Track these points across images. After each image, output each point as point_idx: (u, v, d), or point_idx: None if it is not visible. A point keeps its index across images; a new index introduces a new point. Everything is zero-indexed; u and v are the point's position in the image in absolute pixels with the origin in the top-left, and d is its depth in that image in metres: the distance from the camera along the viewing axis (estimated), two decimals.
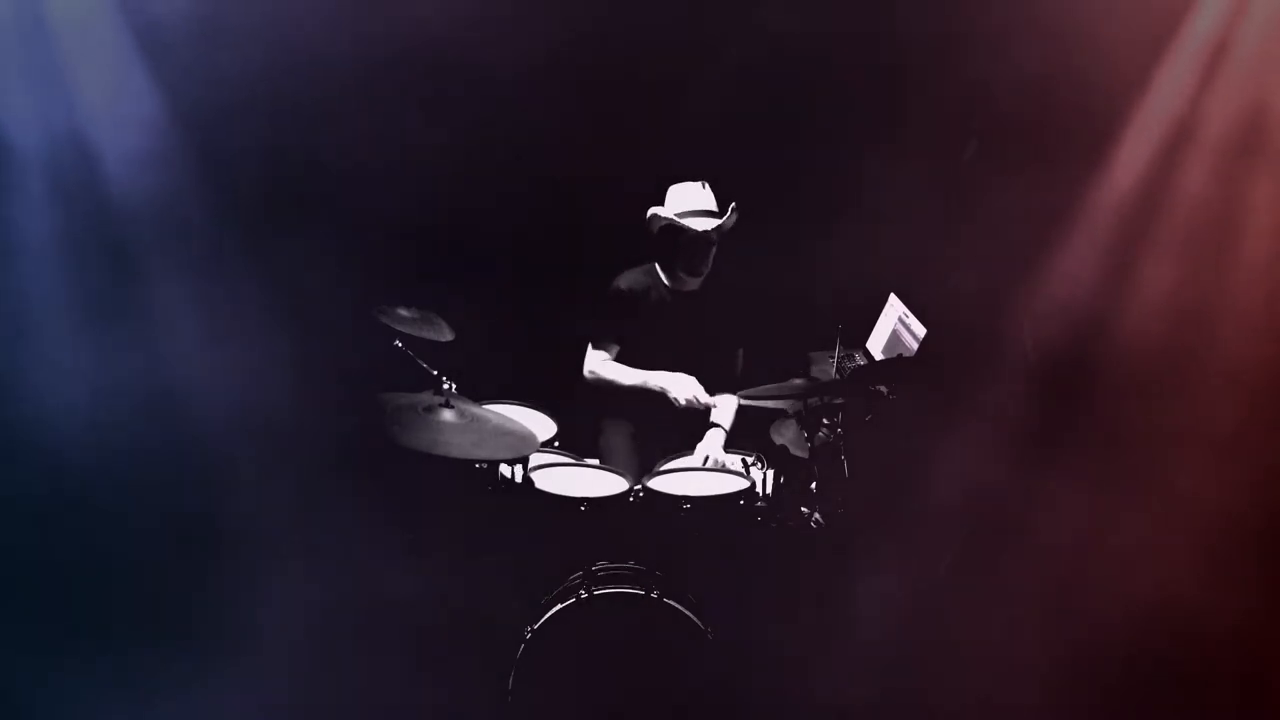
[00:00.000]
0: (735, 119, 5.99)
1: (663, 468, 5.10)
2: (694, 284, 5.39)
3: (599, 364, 5.41)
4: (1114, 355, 5.32)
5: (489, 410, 4.63)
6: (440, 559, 4.62)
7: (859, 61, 5.90)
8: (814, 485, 4.90)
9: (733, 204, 5.28)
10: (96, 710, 4.48)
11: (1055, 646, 4.82)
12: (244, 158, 5.53)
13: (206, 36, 5.35)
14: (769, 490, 4.89)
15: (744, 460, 5.09)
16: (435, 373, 4.56)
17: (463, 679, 4.51)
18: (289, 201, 5.64)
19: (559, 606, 4.38)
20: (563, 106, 5.89)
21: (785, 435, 5.36)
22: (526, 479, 4.79)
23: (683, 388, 5.27)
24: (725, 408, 5.34)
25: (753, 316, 5.48)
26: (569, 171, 5.99)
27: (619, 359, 5.42)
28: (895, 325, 5.68)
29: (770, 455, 5.22)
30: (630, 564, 4.58)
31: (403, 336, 4.93)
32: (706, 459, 5.14)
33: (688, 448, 5.23)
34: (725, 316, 5.42)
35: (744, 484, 4.84)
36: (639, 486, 4.78)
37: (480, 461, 4.71)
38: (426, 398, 4.48)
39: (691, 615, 4.40)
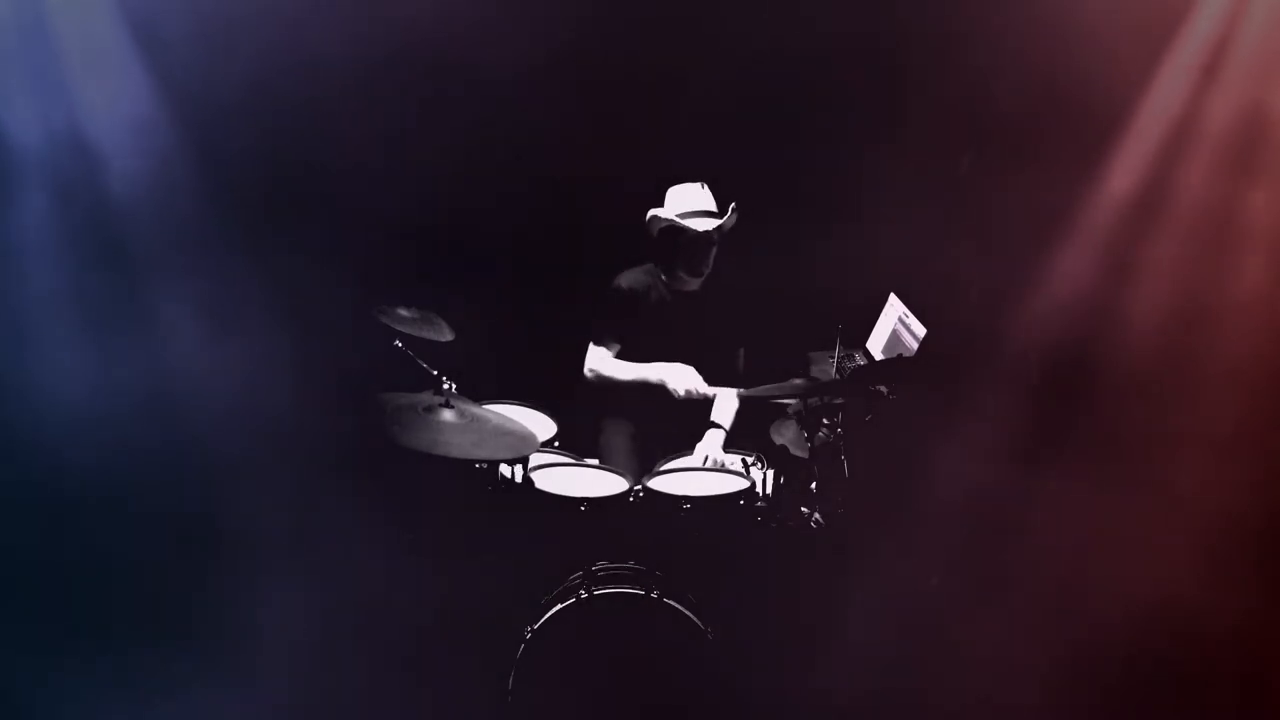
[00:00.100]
0: (735, 119, 5.99)
1: (663, 468, 5.10)
2: (694, 284, 5.39)
3: (599, 362, 5.41)
4: (1114, 355, 5.32)
5: (489, 410, 4.63)
6: (440, 559, 4.62)
7: (859, 61, 5.89)
8: (814, 485, 4.90)
9: (733, 204, 5.28)
10: (96, 710, 4.48)
11: (1055, 646, 4.81)
12: (244, 157, 5.53)
13: (206, 36, 5.35)
14: (769, 490, 4.88)
15: (744, 460, 5.09)
16: (435, 373, 4.56)
17: (463, 679, 4.51)
18: (289, 201, 5.64)
19: (559, 606, 4.38)
20: (563, 106, 5.89)
21: (785, 435, 5.36)
22: (526, 479, 4.79)
23: (682, 379, 5.26)
24: (725, 407, 5.34)
25: (753, 316, 5.48)
26: (569, 171, 5.98)
27: (619, 358, 5.42)
28: (895, 325, 5.68)
29: (770, 455, 5.22)
30: (630, 564, 4.58)
31: (403, 336, 4.93)
32: (706, 459, 5.14)
33: (688, 447, 5.23)
34: (725, 316, 5.42)
35: (744, 484, 4.84)
36: (639, 486, 4.78)
37: (480, 461, 4.71)
38: (426, 398, 4.48)
39: (691, 615, 4.40)
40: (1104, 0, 5.32)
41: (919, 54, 5.80)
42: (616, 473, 4.92)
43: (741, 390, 5.17)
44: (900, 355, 5.52)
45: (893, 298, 5.77)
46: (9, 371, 5.07)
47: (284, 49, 5.38)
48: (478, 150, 5.84)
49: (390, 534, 4.82)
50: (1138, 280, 5.33)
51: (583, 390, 5.45)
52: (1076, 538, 5.11)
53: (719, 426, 5.29)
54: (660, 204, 5.35)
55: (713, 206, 5.31)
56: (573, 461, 5.04)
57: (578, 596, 4.38)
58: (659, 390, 5.30)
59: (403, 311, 5.12)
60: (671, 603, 4.39)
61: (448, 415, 4.43)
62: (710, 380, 5.31)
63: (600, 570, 4.54)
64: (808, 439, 4.96)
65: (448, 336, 5.21)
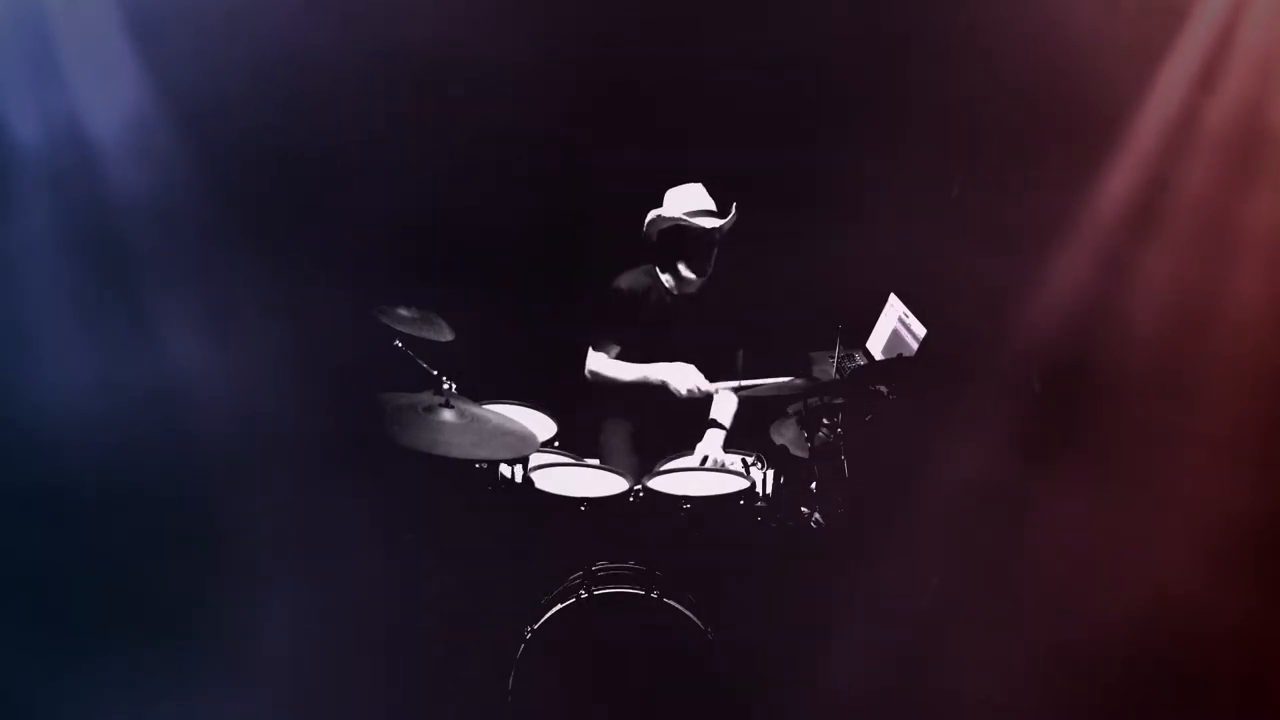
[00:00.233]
0: (735, 119, 5.99)
1: (663, 468, 5.10)
2: (694, 285, 5.38)
3: (599, 363, 5.41)
4: (1114, 356, 5.32)
5: (489, 410, 4.63)
6: (440, 559, 4.62)
7: (860, 62, 5.89)
8: (814, 485, 4.90)
9: (734, 204, 5.28)
10: (96, 710, 4.48)
11: (1055, 646, 4.82)
12: (244, 156, 5.53)
13: (205, 35, 5.35)
14: (769, 490, 4.89)
15: (744, 460, 5.09)
16: (435, 373, 4.56)
17: (463, 679, 4.51)
18: (289, 201, 5.65)
19: (559, 606, 4.39)
20: (563, 106, 5.89)
21: (785, 435, 5.36)
22: (526, 479, 4.79)
23: (683, 378, 5.26)
24: (725, 405, 5.34)
25: (753, 317, 5.48)
26: (569, 171, 5.99)
27: (619, 359, 5.42)
28: (895, 325, 5.68)
29: (770, 455, 5.22)
30: (630, 564, 4.58)
31: (403, 336, 4.93)
32: (706, 459, 5.14)
33: (688, 447, 5.22)
34: (725, 317, 5.41)
35: (744, 484, 4.84)
36: (639, 486, 4.78)
37: (480, 461, 4.71)
38: (426, 398, 4.48)
39: (691, 615, 4.40)
40: (1104, 1, 5.32)
41: (920, 54, 5.81)
42: (617, 473, 4.92)
43: (740, 385, 5.16)
44: (900, 355, 5.52)
45: (893, 298, 5.77)
46: (8, 371, 5.06)
47: (284, 48, 5.38)
48: (478, 150, 5.84)
49: (390, 534, 4.82)
50: (1138, 281, 5.33)
51: (583, 390, 5.45)
52: (1076, 537, 5.11)
53: (719, 425, 5.29)
54: (659, 206, 5.35)
55: (713, 206, 5.31)
56: (573, 461, 5.04)
57: (578, 596, 4.38)
58: (659, 390, 5.30)
59: (403, 311, 5.12)
60: (671, 603, 4.39)
61: (448, 415, 4.43)
62: (711, 380, 5.31)
63: (600, 570, 4.54)
64: (808, 439, 4.97)
65: (448, 336, 5.21)
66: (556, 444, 5.20)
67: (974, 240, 5.68)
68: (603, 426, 5.44)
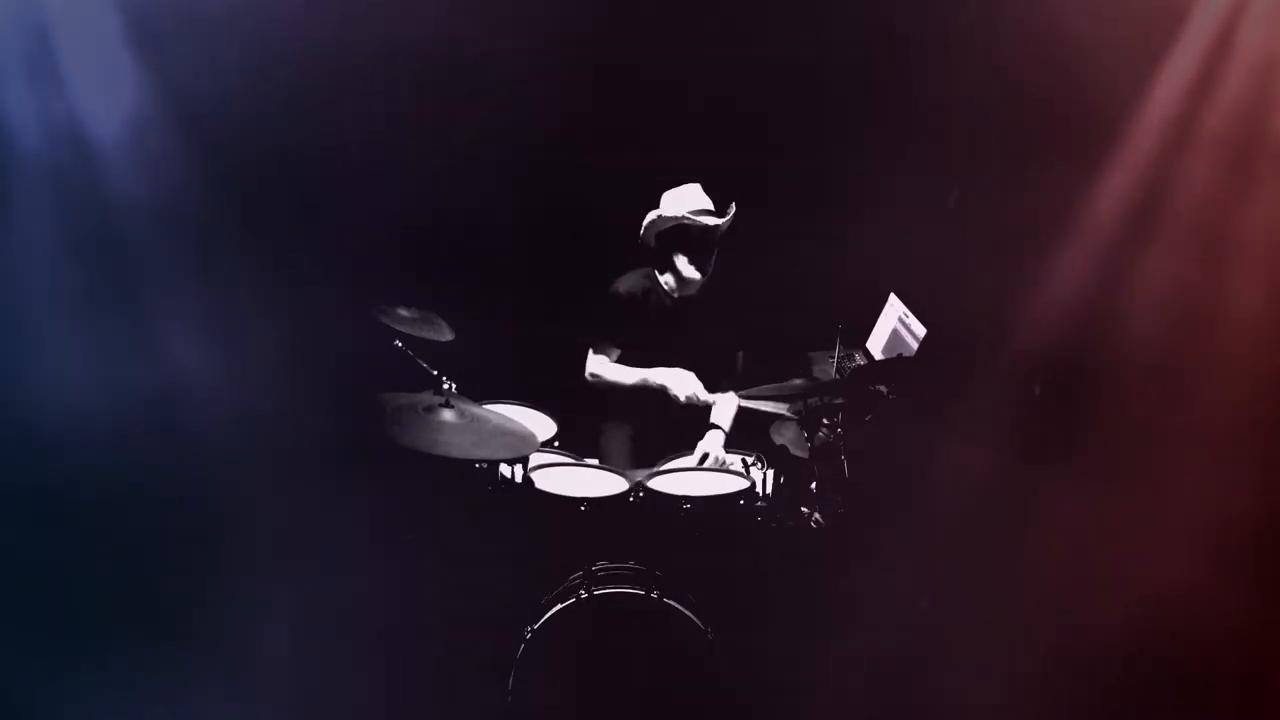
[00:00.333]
0: (735, 119, 5.99)
1: (663, 468, 5.10)
2: (694, 287, 5.37)
3: (599, 367, 5.40)
4: (1114, 356, 5.32)
5: (489, 410, 4.63)
6: (440, 559, 4.62)
7: (859, 61, 5.89)
8: (814, 485, 4.90)
9: (733, 203, 5.28)
10: (97, 710, 4.48)
11: (1055, 646, 4.81)
12: (244, 157, 5.53)
13: (205, 35, 5.35)
14: (769, 490, 4.89)
15: (744, 460, 5.09)
16: (435, 373, 4.56)
17: (463, 679, 4.51)
18: (289, 201, 5.65)
19: (559, 606, 4.39)
20: (563, 106, 5.89)
21: (785, 435, 5.36)
22: (526, 479, 4.79)
23: (682, 384, 5.26)
24: (725, 408, 5.34)
25: (753, 317, 5.48)
26: (570, 171, 5.99)
27: (620, 362, 5.42)
28: (895, 325, 5.68)
29: (770, 455, 5.22)
30: (630, 564, 4.58)
31: (403, 336, 4.93)
32: (705, 457, 5.14)
33: (688, 448, 5.22)
34: (724, 319, 5.41)
35: (744, 484, 4.84)
36: (639, 486, 4.78)
37: (480, 461, 4.71)
38: (426, 398, 4.48)
39: (691, 615, 4.40)
40: (1104, 1, 5.32)
41: (919, 54, 5.80)
42: (617, 473, 4.91)
43: (741, 394, 5.16)
44: (900, 355, 5.52)
45: (893, 298, 5.77)
46: (8, 371, 5.06)
47: (284, 48, 5.38)
48: (478, 150, 5.84)
49: (390, 534, 4.81)
50: (1137, 281, 5.33)
51: (583, 391, 5.45)
52: (1076, 538, 5.11)
53: (718, 428, 5.29)
54: (658, 206, 5.34)
55: (711, 205, 5.31)
56: (573, 461, 5.04)
57: (578, 596, 4.38)
58: (660, 393, 5.30)
59: (403, 311, 5.13)
60: (671, 603, 4.39)
61: (448, 415, 4.43)
62: (709, 382, 5.31)
63: (600, 570, 4.54)
64: (808, 439, 4.96)
65: (448, 336, 5.21)
66: (556, 444, 5.20)
67: (974, 240, 5.68)
68: (603, 427, 5.44)
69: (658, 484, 4.82)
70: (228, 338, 5.45)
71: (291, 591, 4.84)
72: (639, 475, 4.92)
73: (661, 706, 4.39)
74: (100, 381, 5.16)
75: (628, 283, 5.41)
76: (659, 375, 5.31)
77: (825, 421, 4.93)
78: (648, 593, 4.39)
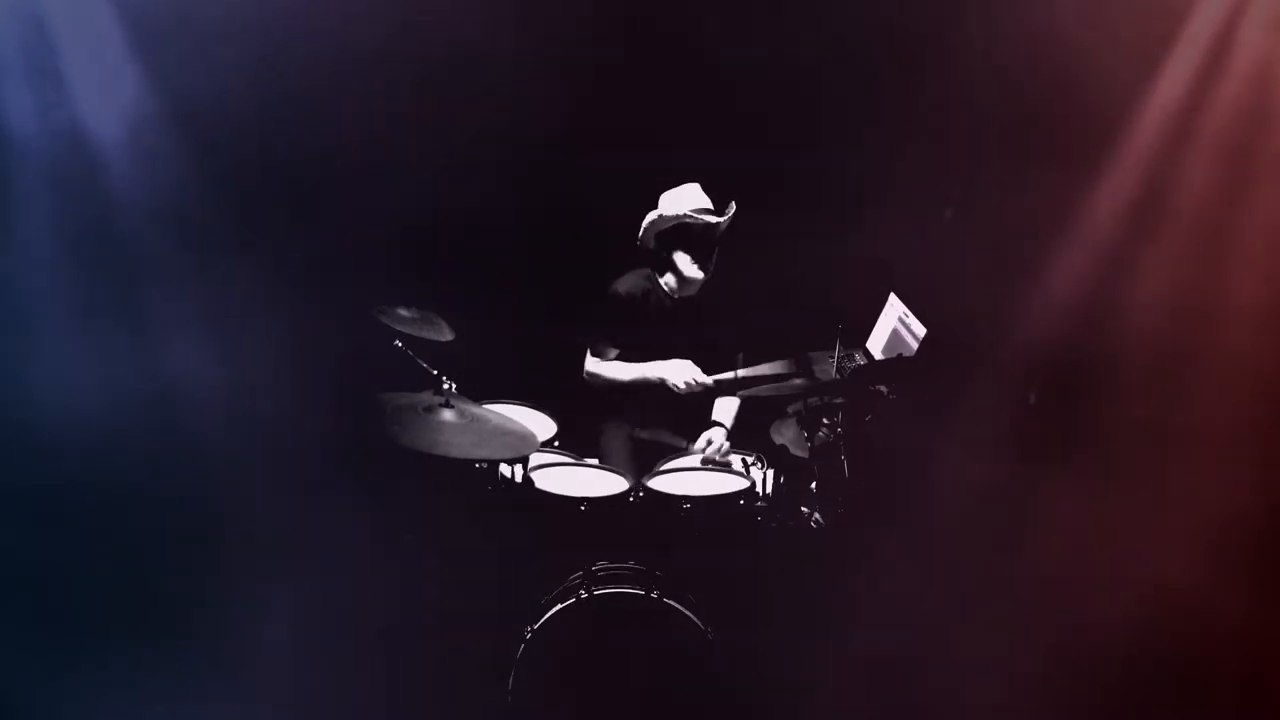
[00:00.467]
0: (735, 119, 5.99)
1: (663, 467, 5.10)
2: (694, 287, 5.37)
3: (596, 365, 5.40)
4: (1114, 355, 5.32)
5: (489, 410, 4.63)
6: (440, 559, 4.62)
7: (859, 61, 5.89)
8: (814, 485, 4.90)
9: (732, 202, 5.27)
10: (97, 711, 4.48)
11: (1055, 646, 4.81)
12: (243, 156, 5.53)
13: (205, 33, 5.35)
14: (769, 490, 4.89)
15: (744, 460, 5.09)
16: (435, 373, 4.56)
17: (463, 679, 4.51)
18: (288, 201, 5.65)
19: (559, 606, 4.39)
20: (563, 106, 5.89)
21: (785, 435, 5.36)
22: (526, 479, 4.79)
23: (680, 372, 5.26)
24: (726, 406, 5.34)
25: (752, 318, 5.48)
26: (570, 171, 5.98)
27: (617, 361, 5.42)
28: (895, 325, 5.67)
29: (770, 455, 5.22)
30: (630, 564, 4.58)
31: (403, 336, 4.93)
32: (709, 444, 5.13)
33: (688, 448, 5.22)
34: (724, 319, 5.41)
35: (744, 484, 4.84)
36: (639, 486, 4.78)
37: (480, 461, 4.71)
38: (426, 398, 4.48)
39: (691, 615, 4.40)
40: (1104, 2, 5.32)
41: (919, 54, 5.80)
42: (617, 472, 4.91)
43: (740, 373, 5.14)
44: (900, 355, 5.51)
45: (893, 298, 5.77)
46: (9, 371, 5.06)
47: (283, 48, 5.38)
48: (478, 150, 5.84)
49: (390, 534, 4.81)
50: (1137, 280, 5.33)
51: (583, 391, 5.45)
52: (1076, 537, 5.11)
53: (721, 425, 5.29)
54: (656, 207, 5.34)
55: (711, 205, 5.31)
56: (573, 461, 5.04)
57: (578, 596, 4.38)
58: (660, 390, 5.30)
59: (403, 311, 5.12)
60: (671, 603, 4.39)
61: (448, 415, 4.43)
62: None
63: (600, 570, 4.54)
64: (808, 439, 4.97)
65: (448, 336, 5.21)
66: (556, 444, 5.19)
67: (974, 240, 5.69)
68: (603, 427, 5.44)
69: (658, 484, 4.83)
70: (227, 338, 5.45)
71: (291, 591, 4.84)
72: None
73: (661, 706, 4.39)
74: (100, 382, 5.16)
75: (627, 283, 5.41)
76: (655, 368, 5.32)
77: (825, 421, 4.93)
78: (648, 593, 4.39)
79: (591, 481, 4.86)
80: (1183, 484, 5.04)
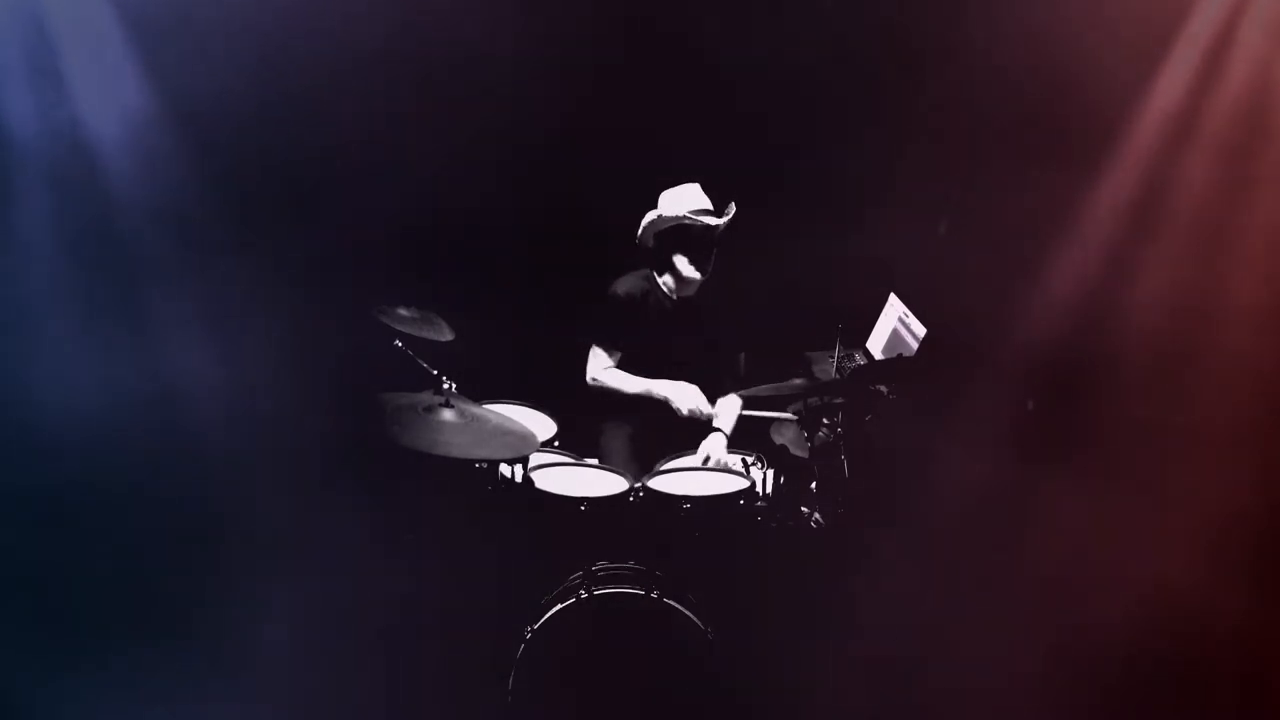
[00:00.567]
0: (735, 119, 5.99)
1: (663, 467, 5.10)
2: (694, 287, 5.37)
3: (601, 371, 5.40)
4: (1114, 355, 5.32)
5: (489, 410, 4.63)
6: (441, 559, 4.62)
7: (859, 61, 5.89)
8: (814, 485, 4.90)
9: (732, 202, 5.27)
10: (97, 711, 4.48)
11: (1055, 646, 4.81)
12: (243, 156, 5.53)
13: (205, 33, 5.35)
14: (769, 490, 4.89)
15: (744, 460, 5.09)
16: (435, 373, 4.56)
17: (463, 679, 4.51)
18: (288, 201, 5.64)
19: (559, 606, 4.38)
20: (563, 106, 5.89)
21: (785, 435, 5.36)
22: (526, 479, 4.78)
23: (686, 399, 5.26)
24: (727, 411, 5.34)
25: (752, 318, 5.48)
26: (570, 171, 5.99)
27: (621, 364, 5.41)
28: (895, 325, 5.68)
29: (770, 455, 5.22)
30: (630, 564, 4.58)
31: (403, 336, 4.93)
32: (707, 459, 5.14)
33: (688, 448, 5.22)
34: (724, 320, 5.41)
35: (744, 484, 4.83)
36: (639, 486, 4.78)
37: (480, 461, 4.71)
38: (426, 398, 4.48)
39: (691, 615, 4.39)
40: (1104, 1, 5.32)
41: (919, 54, 5.80)
42: (617, 472, 4.91)
43: (744, 399, 5.16)
44: (900, 355, 5.52)
45: (893, 298, 5.77)
46: (8, 371, 5.06)
47: (283, 48, 5.38)
48: (478, 150, 5.84)
49: (390, 534, 4.81)
50: (1138, 280, 5.33)
51: (583, 391, 5.45)
52: (1076, 537, 5.11)
53: (720, 431, 5.29)
54: (654, 206, 5.34)
55: (710, 205, 5.31)
56: (573, 461, 5.04)
57: (578, 596, 4.38)
58: (662, 405, 5.30)
59: (403, 311, 5.13)
60: (671, 603, 4.39)
61: (448, 415, 4.43)
62: (712, 384, 5.31)
63: (600, 570, 4.54)
64: (808, 439, 4.97)
65: (448, 336, 5.21)
66: (556, 444, 5.19)
67: (974, 240, 5.68)
68: (603, 427, 5.44)
69: (658, 484, 4.82)
70: (227, 338, 5.45)
71: (291, 591, 4.84)
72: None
73: (661, 706, 4.39)
74: (100, 381, 5.16)
75: (626, 284, 5.41)
76: (662, 388, 5.31)
77: (825, 421, 4.93)
78: (648, 593, 4.39)
79: (591, 481, 4.86)
80: (1183, 484, 5.03)
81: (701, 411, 5.25)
